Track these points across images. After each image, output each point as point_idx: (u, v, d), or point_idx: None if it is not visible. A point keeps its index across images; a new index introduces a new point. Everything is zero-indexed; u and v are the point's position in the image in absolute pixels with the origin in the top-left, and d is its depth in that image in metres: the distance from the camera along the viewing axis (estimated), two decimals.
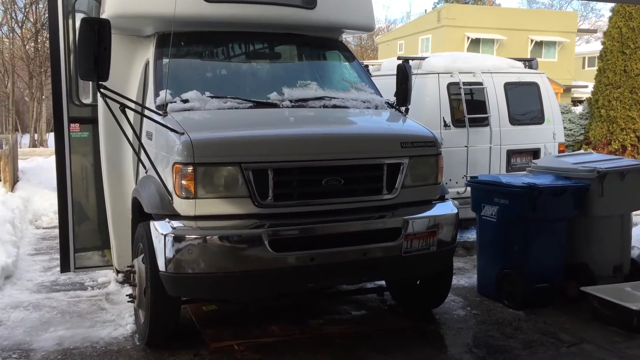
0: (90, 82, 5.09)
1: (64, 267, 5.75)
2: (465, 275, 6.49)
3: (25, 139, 32.24)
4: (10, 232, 7.34)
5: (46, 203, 9.69)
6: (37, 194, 10.36)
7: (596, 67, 15.07)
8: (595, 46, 44.04)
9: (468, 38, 36.32)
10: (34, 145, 30.07)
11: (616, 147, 13.82)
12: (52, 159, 6.38)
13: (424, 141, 4.70)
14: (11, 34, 32.56)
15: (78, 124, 5.61)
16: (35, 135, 32.21)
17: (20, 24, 32.99)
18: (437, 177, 4.78)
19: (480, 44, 35.87)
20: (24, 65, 33.10)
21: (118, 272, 5.73)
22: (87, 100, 5.82)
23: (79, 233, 5.84)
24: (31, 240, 8.22)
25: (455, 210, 4.78)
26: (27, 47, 32.77)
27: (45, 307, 5.38)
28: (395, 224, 4.41)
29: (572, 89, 35.29)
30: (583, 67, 42.99)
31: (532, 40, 37.49)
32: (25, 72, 33.10)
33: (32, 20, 32.04)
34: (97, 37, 3.94)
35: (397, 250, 4.38)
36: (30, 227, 8.97)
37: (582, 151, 12.61)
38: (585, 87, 32.89)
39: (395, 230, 4.39)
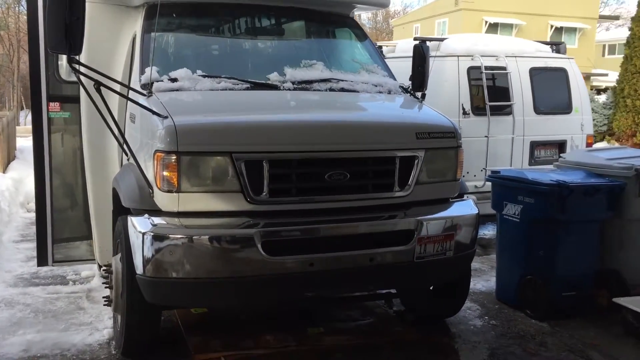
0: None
1: (41, 261, 5.27)
2: (482, 277, 5.95)
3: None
4: None
5: None
6: (32, 174, 9.87)
7: (615, 55, 14.43)
8: (615, 34, 43.06)
9: (486, 22, 35.46)
10: None
11: None
12: None
13: (442, 132, 4.14)
14: (17, 8, 32.14)
15: (58, 103, 5.09)
16: None
17: None
18: (456, 172, 4.23)
19: (498, 29, 34.99)
20: None
21: (100, 266, 5.24)
22: (72, 77, 5.28)
23: (61, 222, 5.36)
24: (19, 225, 7.75)
25: (475, 211, 4.24)
26: None
27: (19, 305, 4.90)
28: (407, 226, 3.88)
29: (592, 77, 34.37)
30: (603, 55, 42.02)
31: (552, 26, 36.55)
32: None
33: None
34: (68, 4, 3.40)
35: (409, 256, 3.86)
36: (20, 211, 8.50)
37: (615, 145, 11.94)
38: (606, 75, 32.07)
39: (407, 233, 3.86)
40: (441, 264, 4.03)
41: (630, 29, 14.02)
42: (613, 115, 13.98)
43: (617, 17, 44.15)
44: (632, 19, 14.20)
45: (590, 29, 37.48)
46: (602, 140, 13.83)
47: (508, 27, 35.58)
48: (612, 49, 41.28)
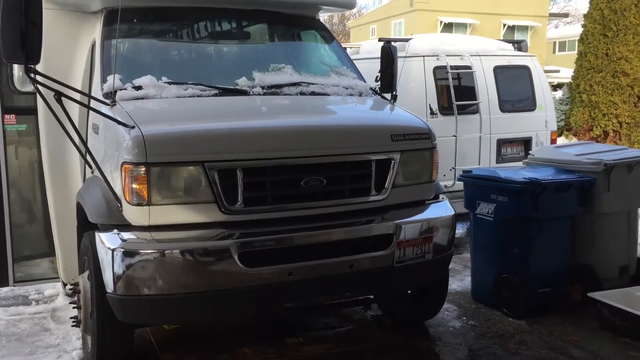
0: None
1: (2, 281, 4.98)
2: (456, 277, 5.91)
3: None
4: None
5: None
6: None
7: (566, 52, 14.77)
8: (564, 31, 44.16)
9: (441, 22, 35.93)
10: None
11: (598, 133, 13.43)
12: None
13: (417, 133, 4.08)
14: None
15: (14, 115, 4.84)
16: None
17: None
18: (432, 174, 4.18)
19: (453, 28, 35.48)
20: None
21: (65, 284, 5.01)
22: (27, 88, 5.04)
23: (20, 239, 5.09)
24: None
25: (452, 212, 4.20)
26: None
27: None
28: (385, 230, 3.81)
29: (545, 74, 35.15)
30: (553, 52, 43.04)
31: (504, 25, 37.25)
32: None
33: None
34: (23, 9, 3.20)
35: (389, 260, 3.78)
36: None
37: (581, 141, 12.17)
38: (558, 71, 32.82)
39: (386, 237, 3.79)
40: (421, 267, 3.97)
41: (584, 25, 14.30)
42: (570, 110, 14.25)
43: (566, 15, 45.30)
44: (585, 16, 14.49)
45: (541, 27, 38.36)
46: (560, 135, 14.08)
47: (462, 26, 36.13)
48: (562, 46, 42.31)
